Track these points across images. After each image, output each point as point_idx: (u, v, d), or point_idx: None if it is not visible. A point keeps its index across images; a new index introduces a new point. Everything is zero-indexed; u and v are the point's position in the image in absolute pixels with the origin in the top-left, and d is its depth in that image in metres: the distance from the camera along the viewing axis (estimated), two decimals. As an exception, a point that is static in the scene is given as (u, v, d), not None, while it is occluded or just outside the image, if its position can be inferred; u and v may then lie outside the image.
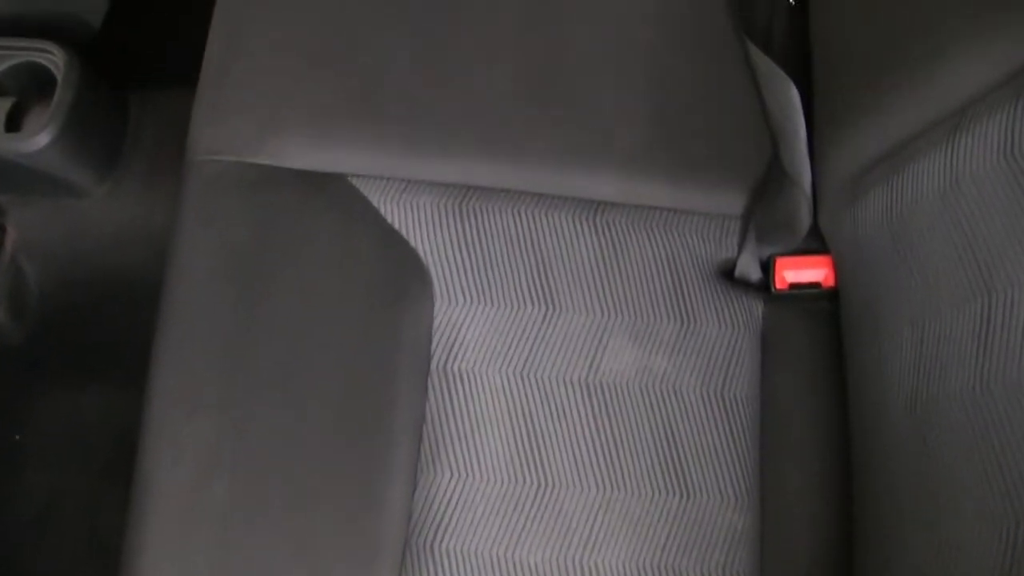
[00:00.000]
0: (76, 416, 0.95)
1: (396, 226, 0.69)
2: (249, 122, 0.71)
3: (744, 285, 0.72)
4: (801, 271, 0.72)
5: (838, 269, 0.71)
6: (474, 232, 0.69)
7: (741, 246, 0.72)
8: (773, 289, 0.71)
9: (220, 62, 0.72)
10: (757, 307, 0.72)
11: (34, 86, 0.90)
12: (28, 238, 0.96)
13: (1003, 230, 0.55)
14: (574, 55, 0.74)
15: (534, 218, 0.70)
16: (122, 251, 0.95)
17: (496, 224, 0.70)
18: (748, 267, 0.72)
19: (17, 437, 0.92)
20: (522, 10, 0.75)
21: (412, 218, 0.70)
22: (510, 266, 0.69)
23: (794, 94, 0.72)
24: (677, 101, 0.74)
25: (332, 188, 0.70)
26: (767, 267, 0.72)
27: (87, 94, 0.89)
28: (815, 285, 0.71)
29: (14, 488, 0.92)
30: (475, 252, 0.69)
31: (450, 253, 0.69)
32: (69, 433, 0.94)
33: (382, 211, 0.70)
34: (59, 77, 0.87)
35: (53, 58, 0.88)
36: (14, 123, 0.92)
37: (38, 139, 0.86)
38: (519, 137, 0.72)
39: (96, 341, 0.96)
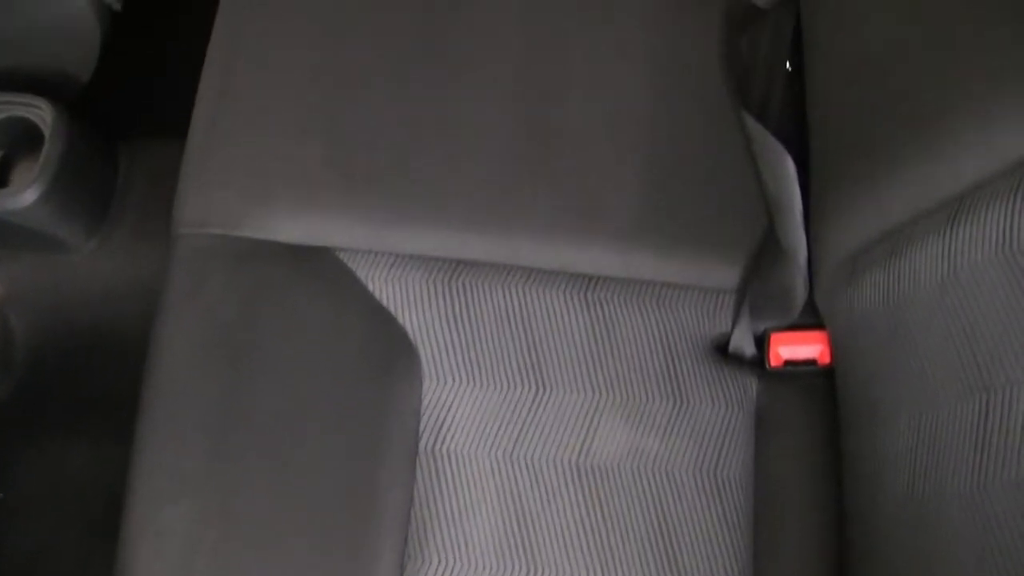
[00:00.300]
0: (63, 472, 0.93)
1: (384, 302, 0.68)
2: (235, 195, 0.70)
3: (738, 361, 0.71)
4: (796, 347, 0.71)
5: (834, 347, 0.70)
6: (463, 309, 0.68)
7: (735, 321, 0.71)
8: (768, 366, 0.70)
9: (206, 133, 0.71)
10: (751, 384, 0.71)
11: (22, 140, 0.89)
12: (15, 291, 0.95)
13: (1002, 327, 0.54)
14: (567, 126, 0.73)
15: (525, 294, 0.69)
16: (111, 305, 0.94)
17: (486, 301, 0.69)
18: (742, 342, 0.71)
19: (1, 495, 0.91)
20: (515, 80, 0.74)
21: (400, 294, 0.68)
22: (500, 345, 0.68)
23: (790, 166, 0.71)
24: (671, 172, 0.73)
25: (319, 262, 0.69)
26: (762, 342, 0.71)
27: (75, 149, 0.87)
28: (811, 362, 0.70)
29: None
30: (464, 330, 0.68)
31: (439, 331, 0.68)
32: (56, 489, 0.93)
33: (370, 287, 0.69)
34: (47, 133, 0.86)
35: (41, 113, 0.86)
36: (1, 179, 0.91)
37: (25, 196, 0.84)
38: (511, 210, 0.71)
39: (84, 395, 0.94)
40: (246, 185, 0.70)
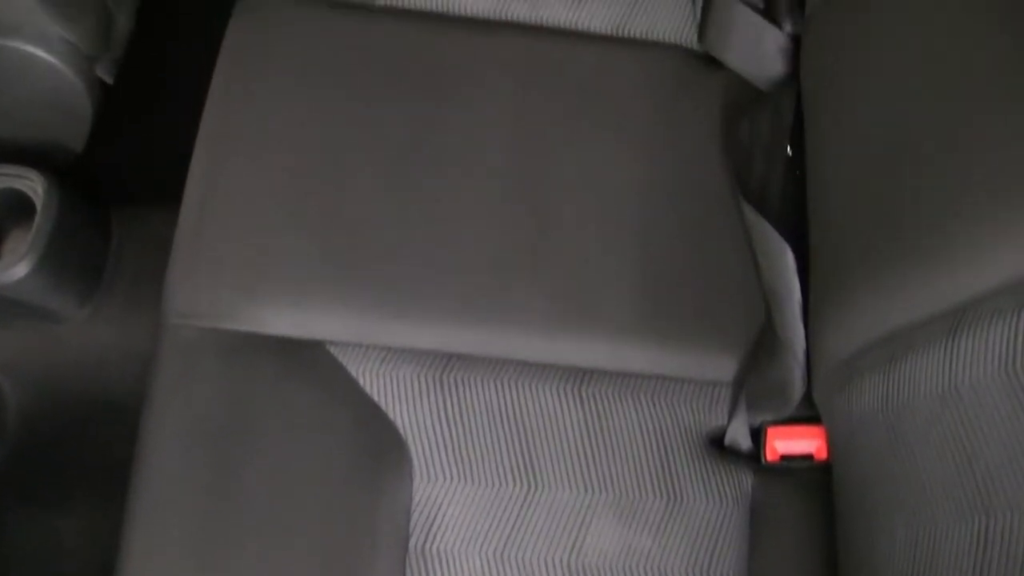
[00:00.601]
0: (56, 541, 0.93)
1: (375, 397, 0.67)
2: (224, 286, 0.69)
3: (734, 455, 0.70)
4: (793, 441, 0.70)
5: (831, 444, 0.68)
6: (455, 405, 0.67)
7: (731, 414, 0.70)
8: (763, 460, 0.69)
9: (195, 223, 0.70)
10: (747, 479, 0.70)
11: (14, 210, 0.88)
12: (8, 359, 0.94)
13: (1003, 448, 0.53)
14: (560, 216, 0.72)
15: (518, 390, 0.68)
16: (103, 374, 0.93)
17: (478, 397, 0.68)
18: (738, 436, 0.70)
19: (-7, 565, 0.90)
20: (507, 172, 0.73)
21: (392, 390, 0.67)
22: (492, 442, 0.67)
23: (789, 257, 0.70)
24: (667, 262, 0.72)
25: (310, 356, 0.68)
26: (758, 436, 0.70)
27: (68, 220, 0.87)
28: (807, 457, 0.69)
29: (-12, 617, 0.90)
30: (456, 427, 0.67)
31: (430, 428, 0.67)
32: (47, 559, 0.92)
33: (361, 381, 0.68)
34: (38, 205, 0.86)
35: (32, 184, 0.86)
36: (-7, 249, 0.90)
37: (16, 270, 0.84)
38: (503, 303, 0.70)
39: (76, 464, 0.94)
40: (236, 277, 0.69)
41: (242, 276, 0.69)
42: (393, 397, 0.67)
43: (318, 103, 0.74)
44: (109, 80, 0.84)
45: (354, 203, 0.71)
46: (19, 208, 0.88)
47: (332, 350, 0.68)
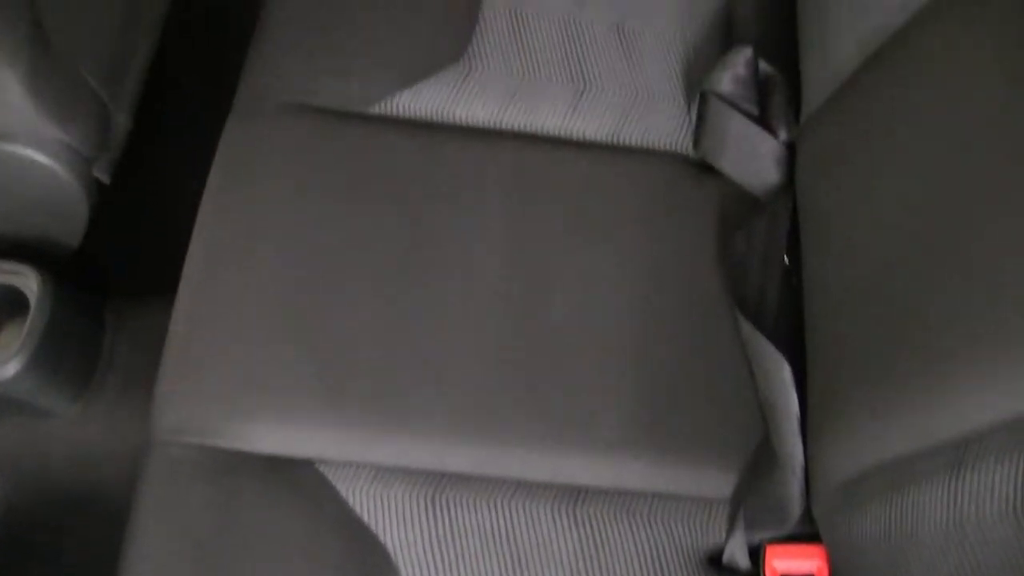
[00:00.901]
0: (42, 641, 0.91)
1: (365, 519, 0.66)
2: (212, 403, 0.68)
3: (732, 574, 0.68)
4: (793, 560, 0.68)
5: (832, 562, 0.67)
6: (447, 528, 0.66)
7: (730, 532, 0.68)
8: (762, 581, 0.68)
9: (184, 337, 0.69)
10: (746, 600, 0.69)
11: (8, 306, 0.88)
12: (-3, 454, 0.93)
13: None
14: (554, 330, 0.71)
15: (511, 511, 0.67)
16: (93, 470, 0.92)
17: (471, 518, 0.66)
18: (736, 554, 0.68)
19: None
20: (500, 285, 0.72)
21: (383, 511, 0.66)
22: (485, 565, 0.65)
23: (786, 372, 0.69)
24: (663, 378, 0.71)
25: (299, 476, 0.67)
26: (757, 554, 0.68)
27: (62, 317, 0.86)
28: (808, 578, 0.68)
29: None
30: (448, 551, 0.65)
31: (422, 551, 0.65)
32: (32, 658, 0.91)
33: (351, 501, 0.66)
34: (32, 302, 0.85)
35: (27, 281, 0.86)
36: (-16, 344, 0.90)
37: (7, 368, 0.83)
38: (496, 420, 0.69)
39: (66, 561, 0.92)
40: (224, 393, 0.68)
41: (231, 392, 0.68)
42: (384, 519, 0.66)
43: (311, 212, 0.73)
44: (106, 180, 0.84)
45: (346, 316, 0.70)
46: (13, 303, 0.88)
47: (322, 469, 0.67)
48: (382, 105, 0.79)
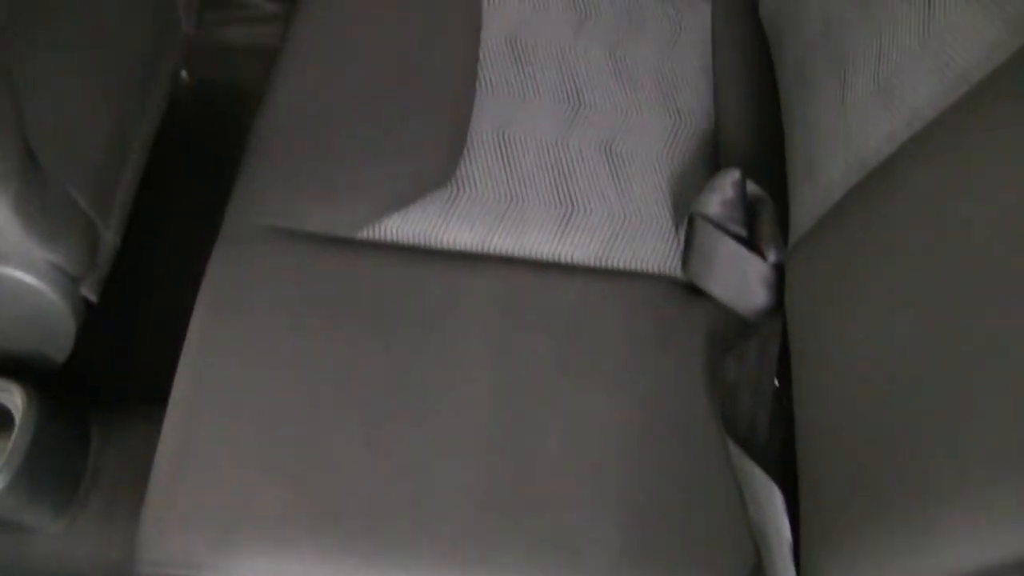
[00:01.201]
0: None
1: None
2: (198, 536, 0.67)
3: None
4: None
5: None
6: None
7: (723, 666, 0.67)
8: None
9: (170, 468, 0.68)
10: None
11: (-8, 420, 0.87)
12: (-23, 567, 0.91)
13: None
14: (543, 458, 0.70)
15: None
16: (76, 587, 0.90)
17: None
18: None
19: None
20: (488, 415, 0.71)
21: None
22: None
23: (777, 499, 0.68)
24: (653, 505, 0.70)
25: (284, 615, 0.65)
26: None
27: (46, 433, 0.85)
28: None
29: None
30: None
31: None
32: None
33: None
34: (17, 419, 0.84)
35: (12, 398, 0.85)
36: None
37: (-9, 487, 0.82)
38: (485, 550, 0.67)
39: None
40: (210, 526, 0.67)
41: (216, 526, 0.67)
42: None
43: (299, 341, 0.73)
44: (94, 299, 0.84)
45: (333, 449, 0.69)
46: (-3, 416, 0.87)
47: (308, 605, 0.66)
48: (370, 230, 0.79)
